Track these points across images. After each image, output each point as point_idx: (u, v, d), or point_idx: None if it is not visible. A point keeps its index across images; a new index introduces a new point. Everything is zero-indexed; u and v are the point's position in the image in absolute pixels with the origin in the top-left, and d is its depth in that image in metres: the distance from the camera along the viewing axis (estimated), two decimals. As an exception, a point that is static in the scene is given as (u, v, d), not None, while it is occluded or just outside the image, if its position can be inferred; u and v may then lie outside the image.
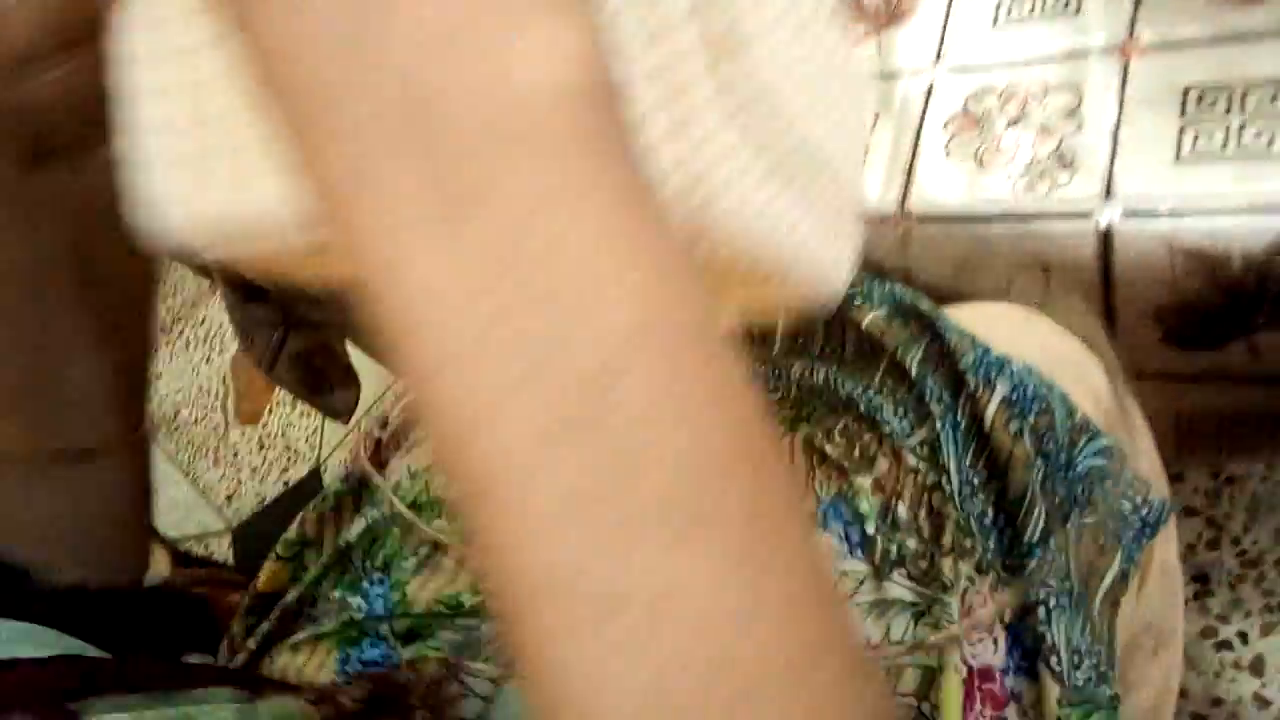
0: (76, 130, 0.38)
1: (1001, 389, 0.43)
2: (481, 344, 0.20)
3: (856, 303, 0.49)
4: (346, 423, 0.91)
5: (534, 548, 0.20)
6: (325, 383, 0.79)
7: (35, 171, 0.38)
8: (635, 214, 0.21)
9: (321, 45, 0.20)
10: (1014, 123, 0.64)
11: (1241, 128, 0.56)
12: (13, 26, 0.35)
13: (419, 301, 0.20)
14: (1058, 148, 0.61)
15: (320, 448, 1.36)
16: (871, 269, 0.70)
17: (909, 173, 0.66)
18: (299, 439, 1.40)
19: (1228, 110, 0.57)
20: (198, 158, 0.29)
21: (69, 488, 0.40)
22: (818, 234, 0.34)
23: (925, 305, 0.50)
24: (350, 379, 0.81)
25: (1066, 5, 0.66)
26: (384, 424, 0.53)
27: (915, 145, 0.67)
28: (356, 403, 0.83)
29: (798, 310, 0.35)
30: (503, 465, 0.20)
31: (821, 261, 0.34)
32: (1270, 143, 0.54)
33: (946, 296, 0.67)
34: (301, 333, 0.76)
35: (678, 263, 0.22)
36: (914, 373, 0.45)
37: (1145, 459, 0.51)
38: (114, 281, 0.41)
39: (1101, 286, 0.61)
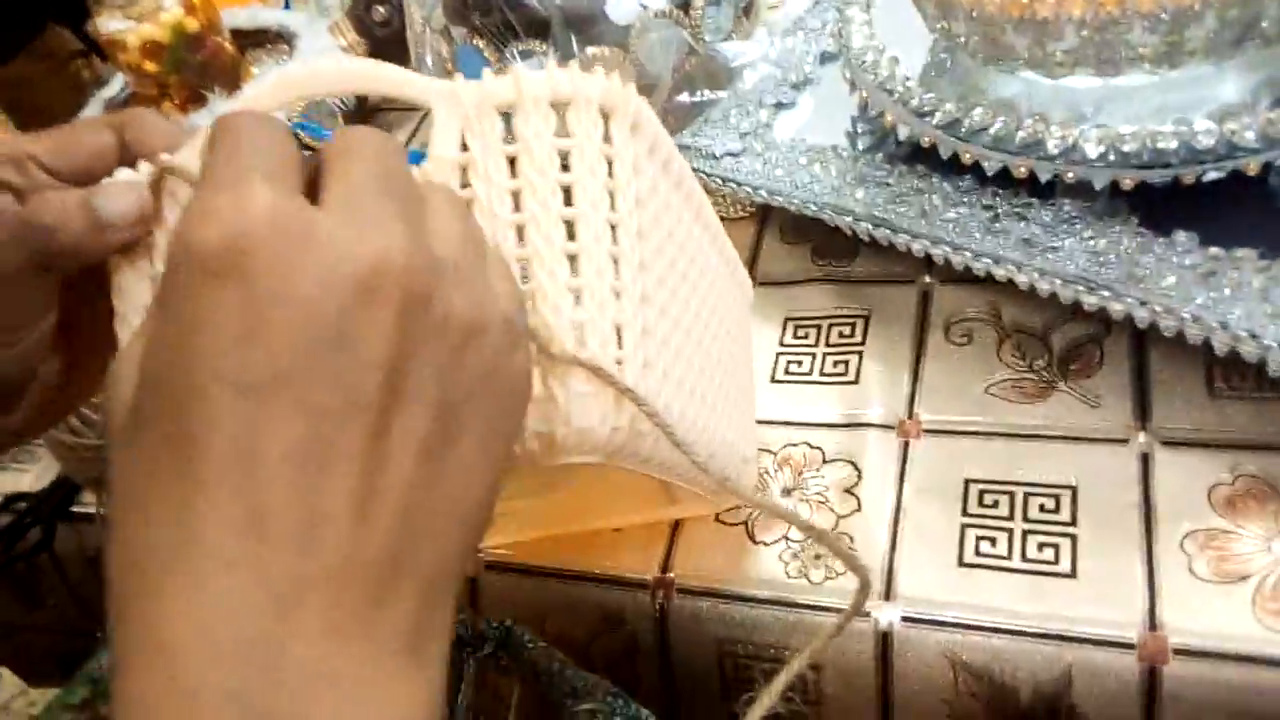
0: None
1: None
2: None
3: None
4: None
5: None
6: None
7: None
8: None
9: None
10: (788, 492, 0.58)
11: (1025, 535, 0.51)
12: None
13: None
14: (834, 528, 0.55)
15: None
16: (627, 640, 0.60)
17: (672, 536, 0.58)
18: None
19: (1010, 515, 0.52)
20: None
21: None
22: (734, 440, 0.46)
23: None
24: None
25: (844, 371, 0.62)
26: None
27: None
28: None
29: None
30: None
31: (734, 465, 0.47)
32: (1057, 558, 0.50)
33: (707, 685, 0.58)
34: None
35: None
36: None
37: None
38: None
39: (880, 686, 0.54)
